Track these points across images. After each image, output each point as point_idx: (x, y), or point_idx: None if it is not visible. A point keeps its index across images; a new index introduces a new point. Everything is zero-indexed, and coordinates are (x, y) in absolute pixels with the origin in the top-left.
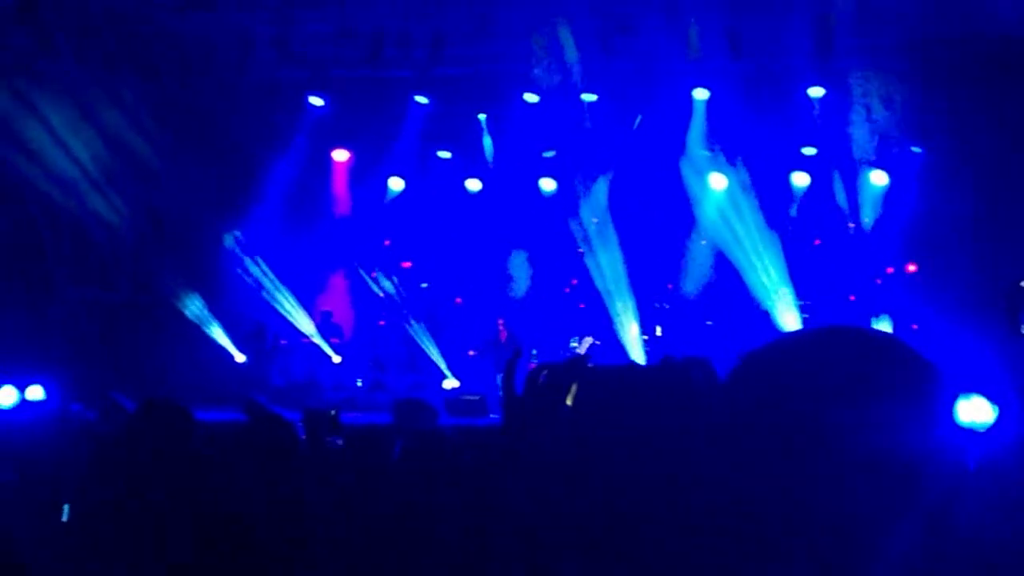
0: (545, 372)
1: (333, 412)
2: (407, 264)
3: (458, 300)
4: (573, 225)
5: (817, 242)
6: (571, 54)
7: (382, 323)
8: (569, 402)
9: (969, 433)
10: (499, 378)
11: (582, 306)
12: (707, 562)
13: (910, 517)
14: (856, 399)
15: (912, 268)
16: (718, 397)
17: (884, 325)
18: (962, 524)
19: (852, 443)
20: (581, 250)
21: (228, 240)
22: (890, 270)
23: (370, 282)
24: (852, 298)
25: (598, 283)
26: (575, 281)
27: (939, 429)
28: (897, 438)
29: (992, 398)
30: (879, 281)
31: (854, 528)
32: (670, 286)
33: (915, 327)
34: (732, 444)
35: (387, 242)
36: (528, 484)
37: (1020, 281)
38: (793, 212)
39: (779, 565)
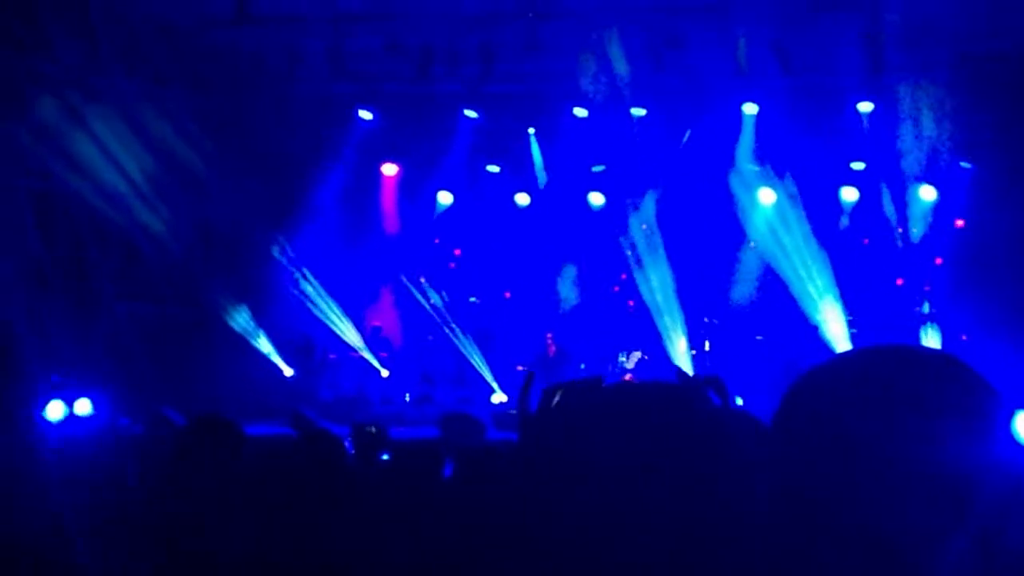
0: (560, 392)
1: (372, 429)
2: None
3: (507, 294)
4: (623, 240)
5: (866, 241)
6: (621, 68)
7: (431, 337)
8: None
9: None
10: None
11: (631, 303)
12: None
13: (962, 534)
14: (912, 416)
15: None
16: (732, 415)
17: (933, 336)
18: (1015, 542)
19: (907, 459)
20: (628, 252)
21: (275, 250)
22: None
23: (418, 296)
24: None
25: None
26: (624, 275)
27: (996, 447)
28: (952, 454)
29: None
30: (928, 287)
31: (906, 544)
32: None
33: (964, 337)
34: (785, 459)
35: (436, 240)
36: (541, 505)
37: None
38: (844, 222)
39: None
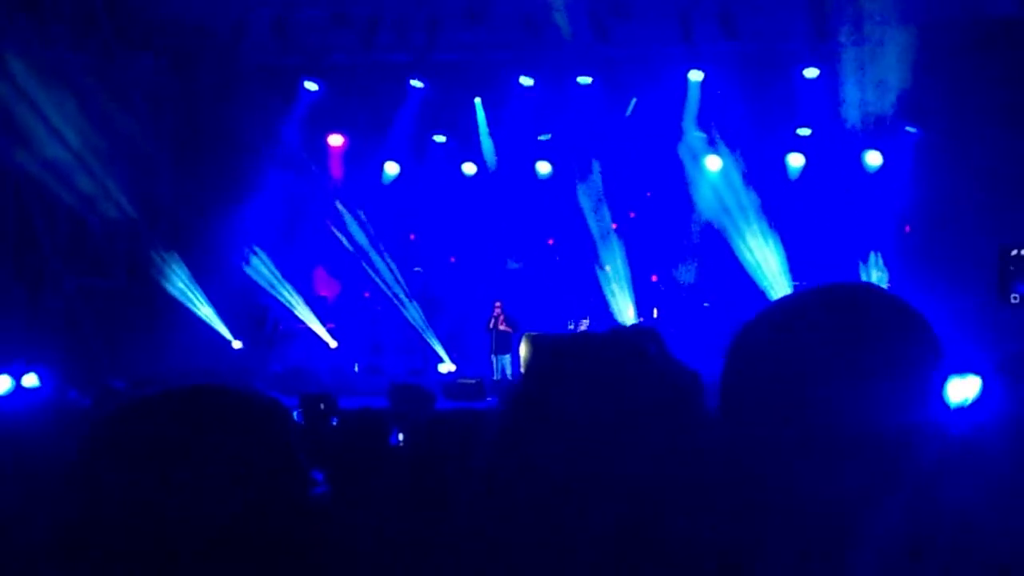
0: (530, 345)
1: (321, 405)
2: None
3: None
4: (571, 207)
5: (908, 229)
6: (566, 36)
7: (379, 307)
8: (522, 369)
9: (956, 409)
10: (495, 359)
11: (654, 279)
12: (679, 542)
13: (895, 495)
14: (846, 372)
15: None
16: (669, 366)
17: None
18: (947, 502)
19: (840, 420)
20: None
21: (222, 223)
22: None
23: (365, 266)
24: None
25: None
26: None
27: (930, 404)
28: (887, 414)
29: (979, 371)
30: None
31: (840, 508)
32: (654, 279)
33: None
34: (727, 420)
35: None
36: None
37: (1011, 250)
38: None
39: (757, 546)
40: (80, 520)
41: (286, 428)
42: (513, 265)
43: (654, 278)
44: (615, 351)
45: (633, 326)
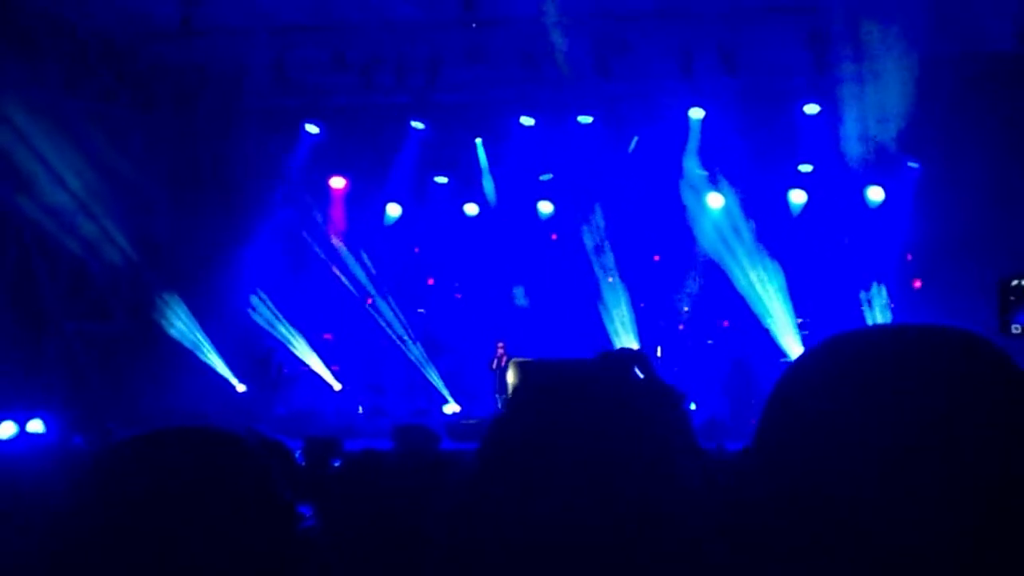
0: (518, 371)
1: (323, 448)
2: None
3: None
4: (572, 246)
5: (909, 257)
6: (566, 74)
7: (382, 348)
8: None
9: None
10: (500, 399)
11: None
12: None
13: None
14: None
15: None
16: (655, 388)
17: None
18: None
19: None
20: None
21: (224, 265)
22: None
23: (369, 309)
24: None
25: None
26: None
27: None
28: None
29: None
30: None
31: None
32: (656, 258)
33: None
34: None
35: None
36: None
37: (1011, 281)
38: None
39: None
40: (64, 562)
41: (270, 465)
42: (520, 299)
43: (656, 258)
44: (599, 373)
45: (622, 349)
